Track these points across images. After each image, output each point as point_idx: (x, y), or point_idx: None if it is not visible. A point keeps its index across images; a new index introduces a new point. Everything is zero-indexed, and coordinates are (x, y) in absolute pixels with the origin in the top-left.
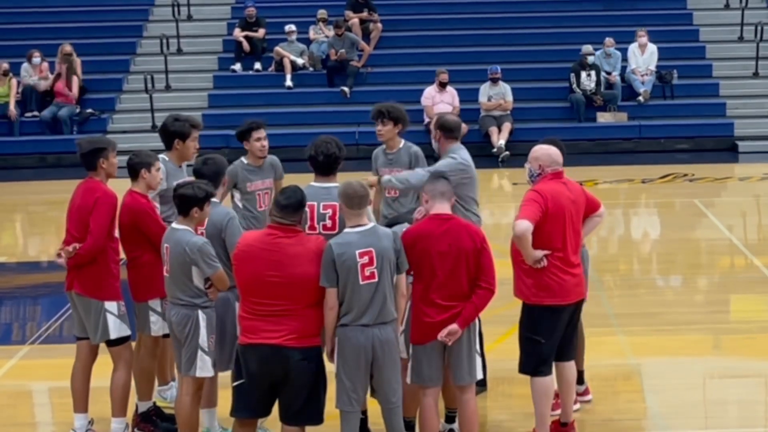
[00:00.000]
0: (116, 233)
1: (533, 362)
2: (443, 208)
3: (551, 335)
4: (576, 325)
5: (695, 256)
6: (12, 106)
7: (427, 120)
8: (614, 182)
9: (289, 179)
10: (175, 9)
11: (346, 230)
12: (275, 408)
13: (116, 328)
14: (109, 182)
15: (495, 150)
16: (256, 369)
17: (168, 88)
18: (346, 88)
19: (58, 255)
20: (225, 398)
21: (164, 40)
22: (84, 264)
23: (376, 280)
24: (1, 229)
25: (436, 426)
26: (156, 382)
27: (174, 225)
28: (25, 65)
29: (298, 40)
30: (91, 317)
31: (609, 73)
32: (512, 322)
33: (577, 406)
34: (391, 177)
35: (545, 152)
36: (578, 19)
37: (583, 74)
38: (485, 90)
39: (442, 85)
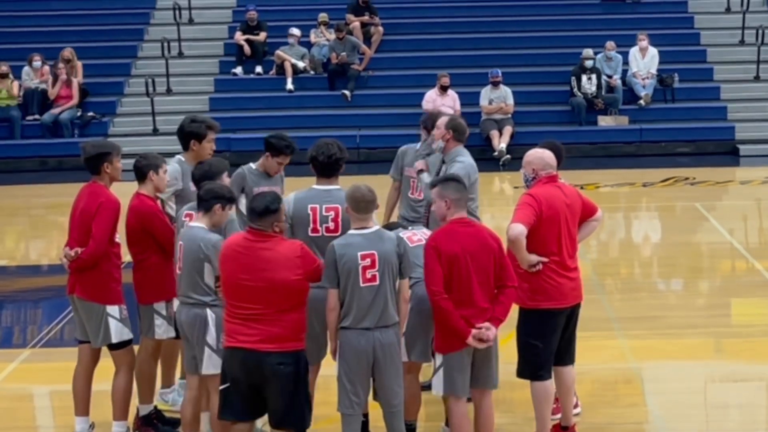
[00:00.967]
0: (117, 238)
1: (532, 367)
2: (462, 213)
3: (549, 339)
4: (575, 329)
5: (696, 259)
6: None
7: None
8: (615, 186)
9: (290, 182)
10: (177, 12)
11: (350, 232)
12: None
13: (118, 332)
14: (113, 186)
15: (496, 153)
16: (237, 372)
17: (169, 91)
18: (347, 92)
19: (65, 257)
20: None
21: (165, 44)
22: (86, 268)
23: (377, 283)
24: (2, 233)
25: None
26: (158, 384)
27: (190, 223)
28: (26, 69)
29: (300, 43)
30: (92, 321)
31: (610, 77)
32: (511, 326)
33: (578, 410)
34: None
35: (538, 156)
36: (579, 22)
37: (584, 78)
38: (486, 93)
39: (444, 89)
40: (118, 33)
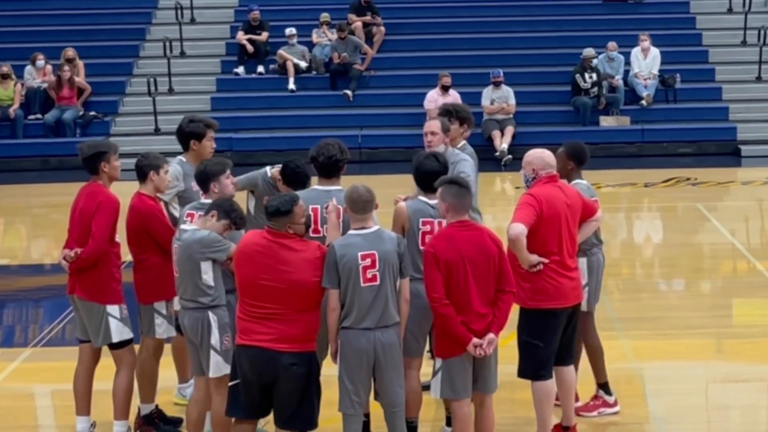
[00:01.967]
0: (117, 237)
1: (532, 366)
2: (462, 217)
3: (549, 339)
4: (575, 329)
5: (698, 260)
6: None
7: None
8: (617, 186)
9: None
10: (178, 12)
11: (350, 232)
12: None
13: (118, 332)
14: (114, 185)
15: (498, 154)
16: (247, 370)
17: (171, 91)
18: (348, 92)
19: (64, 258)
20: None
21: (167, 43)
22: (86, 268)
23: (378, 283)
24: (3, 232)
25: None
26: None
27: (183, 226)
28: (29, 68)
29: (301, 43)
30: (93, 321)
31: (612, 77)
32: (511, 327)
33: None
34: None
35: (538, 156)
36: (581, 23)
37: (585, 76)
38: (488, 94)
39: (445, 89)
40: (119, 32)
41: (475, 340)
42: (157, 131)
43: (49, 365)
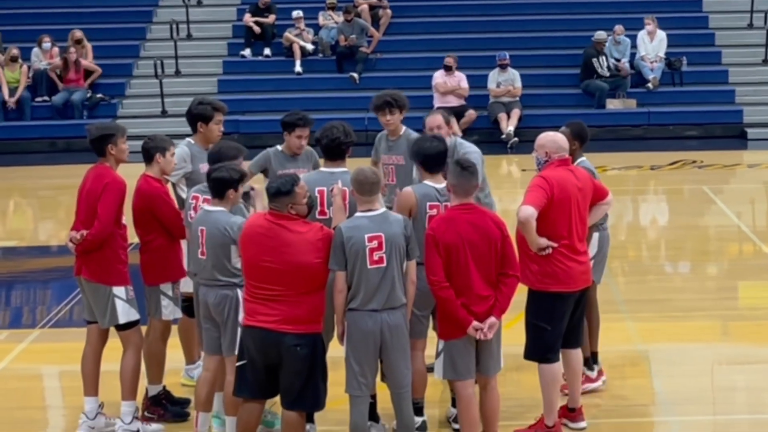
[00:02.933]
0: (124, 219)
1: (540, 349)
2: (465, 200)
3: (557, 322)
4: (583, 313)
5: (704, 242)
6: (19, 92)
7: (436, 96)
8: (623, 169)
9: None
10: None
11: (357, 214)
12: None
13: (125, 313)
14: (121, 167)
15: (504, 136)
16: (253, 351)
17: (178, 73)
18: (355, 74)
19: (71, 240)
20: None
21: (174, 26)
22: (92, 250)
23: (385, 265)
24: (11, 214)
25: (478, 418)
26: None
27: (207, 207)
28: (36, 50)
29: (308, 26)
30: (99, 302)
31: (618, 60)
32: (519, 308)
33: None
34: None
35: (551, 139)
36: (587, 5)
37: (601, 60)
38: (494, 76)
39: (448, 69)
40: (126, 15)
41: (475, 323)
42: (163, 113)
43: (57, 346)
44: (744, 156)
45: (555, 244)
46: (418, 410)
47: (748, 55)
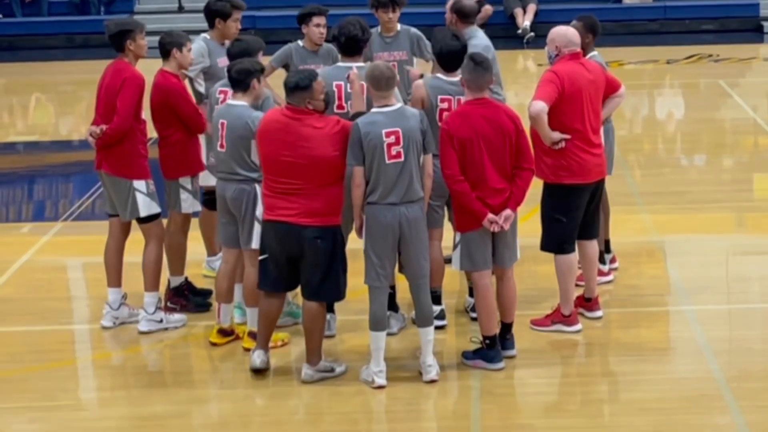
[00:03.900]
0: (143, 114)
1: (555, 240)
2: (479, 94)
3: (572, 214)
4: (599, 204)
5: (719, 135)
6: None
7: None
8: (639, 63)
9: None
10: None
11: (373, 110)
12: None
13: (146, 206)
14: (139, 63)
15: (520, 31)
16: (274, 244)
17: None
18: None
19: (91, 135)
20: None
21: None
22: (112, 144)
23: (402, 159)
24: (32, 109)
25: (495, 307)
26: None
27: (230, 101)
28: None
29: None
30: (120, 196)
31: None
32: (535, 201)
33: (611, 277)
34: None
35: (561, 33)
36: None
37: None
38: None
39: None
40: None
41: (490, 215)
42: (180, 9)
43: (80, 239)
44: (760, 49)
45: (567, 137)
46: (436, 299)
47: None
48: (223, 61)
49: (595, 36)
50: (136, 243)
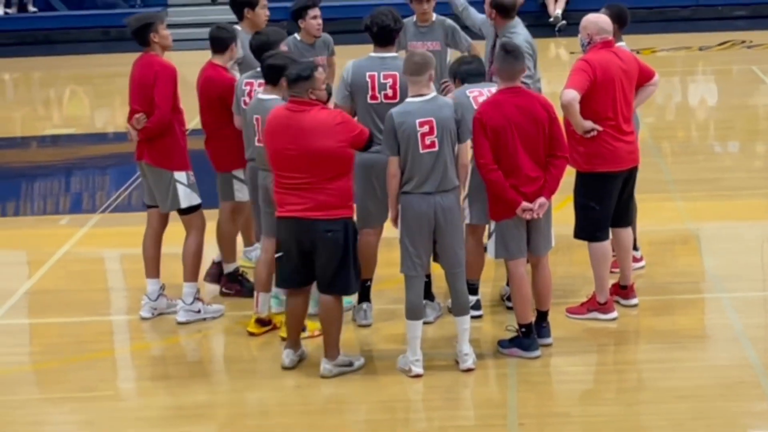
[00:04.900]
0: (181, 104)
1: (589, 228)
2: (512, 83)
3: (605, 202)
4: (632, 192)
5: (753, 122)
6: None
7: None
8: (671, 50)
9: (348, 51)
10: None
11: (408, 99)
12: None
13: (186, 197)
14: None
15: (552, 19)
16: (287, 240)
17: None
18: None
19: (132, 127)
20: None
21: None
22: (154, 137)
23: (437, 149)
24: (68, 102)
25: (530, 295)
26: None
27: (261, 96)
28: None
29: None
30: (161, 187)
31: None
32: (569, 190)
33: (643, 263)
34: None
35: (593, 21)
36: None
37: None
38: None
39: None
40: None
41: (524, 204)
42: (213, 2)
43: (118, 230)
44: None
45: (599, 128)
46: (473, 290)
47: None
48: None
49: (623, 26)
50: (174, 234)
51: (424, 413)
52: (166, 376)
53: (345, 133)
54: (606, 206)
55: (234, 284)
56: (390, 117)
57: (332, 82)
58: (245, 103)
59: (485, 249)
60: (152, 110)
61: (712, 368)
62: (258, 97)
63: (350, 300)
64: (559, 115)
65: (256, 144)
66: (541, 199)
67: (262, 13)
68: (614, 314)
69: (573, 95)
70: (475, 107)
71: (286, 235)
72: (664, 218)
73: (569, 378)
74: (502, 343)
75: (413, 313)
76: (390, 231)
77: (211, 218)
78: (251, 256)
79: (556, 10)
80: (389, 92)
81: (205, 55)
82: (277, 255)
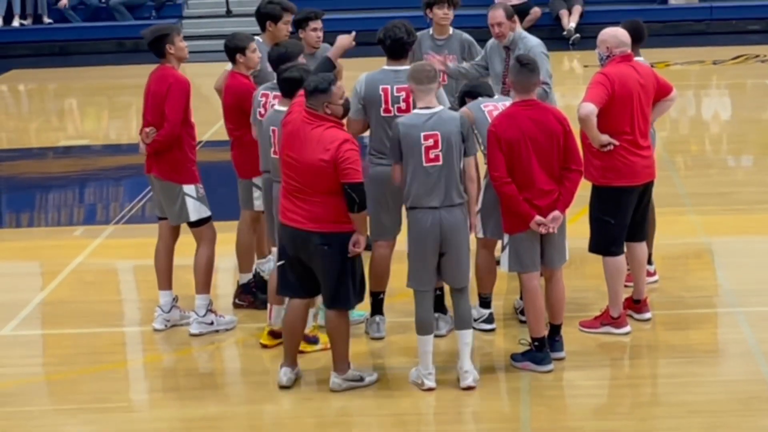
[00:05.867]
0: (192, 118)
1: (604, 242)
2: (526, 96)
3: (621, 216)
4: (648, 206)
5: (767, 136)
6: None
7: None
8: (685, 64)
9: (360, 64)
10: None
11: (415, 111)
12: None
13: (195, 210)
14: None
15: (565, 33)
16: (289, 249)
17: None
18: None
19: (142, 140)
20: None
21: None
22: (163, 150)
23: (441, 163)
24: (84, 113)
25: (544, 309)
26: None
27: (277, 107)
28: None
29: None
30: (170, 200)
31: None
32: (584, 203)
33: (656, 277)
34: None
35: (612, 34)
36: None
37: None
38: None
39: None
40: None
41: (537, 217)
42: (228, 13)
43: (131, 242)
44: None
45: (616, 142)
46: (486, 303)
47: None
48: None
49: (640, 41)
50: (186, 246)
51: (436, 426)
52: (179, 388)
53: (334, 154)
54: (621, 221)
55: (247, 296)
56: (396, 127)
57: None
58: (261, 115)
59: (498, 262)
60: (163, 123)
61: (726, 383)
62: (275, 109)
63: (363, 313)
64: (575, 127)
65: (272, 156)
66: (555, 213)
67: (284, 28)
68: (627, 328)
69: (591, 108)
70: (490, 120)
71: (287, 243)
72: (677, 232)
73: (582, 392)
74: (514, 357)
75: (423, 328)
76: (403, 244)
77: (223, 230)
78: (264, 269)
79: (570, 23)
80: (402, 105)
81: (220, 67)
82: (279, 263)
